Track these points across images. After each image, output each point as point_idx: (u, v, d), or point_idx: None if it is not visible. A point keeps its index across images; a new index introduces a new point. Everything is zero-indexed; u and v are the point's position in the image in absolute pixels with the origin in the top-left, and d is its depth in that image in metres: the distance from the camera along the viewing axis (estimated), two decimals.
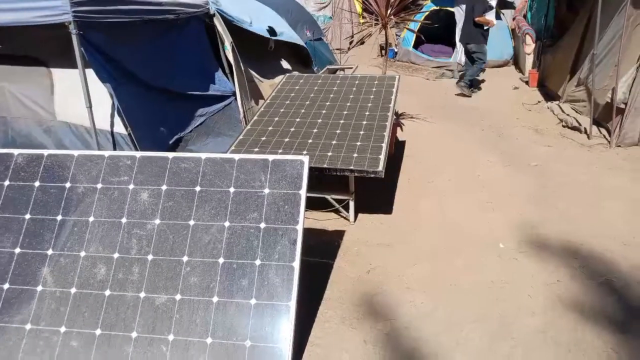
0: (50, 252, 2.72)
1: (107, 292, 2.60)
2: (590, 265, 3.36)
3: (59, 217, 2.79)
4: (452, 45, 10.44)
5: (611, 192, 4.42)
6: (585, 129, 5.93)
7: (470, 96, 8.13)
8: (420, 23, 8.54)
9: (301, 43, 7.04)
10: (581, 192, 4.45)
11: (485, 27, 7.98)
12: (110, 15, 3.81)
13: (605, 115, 5.77)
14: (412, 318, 2.90)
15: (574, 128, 6.17)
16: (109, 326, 2.52)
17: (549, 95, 7.78)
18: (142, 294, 2.57)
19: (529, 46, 9.26)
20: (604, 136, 5.76)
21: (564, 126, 6.36)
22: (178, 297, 2.54)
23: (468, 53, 8.24)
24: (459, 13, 10.25)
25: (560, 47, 7.88)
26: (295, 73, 5.96)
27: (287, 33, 6.77)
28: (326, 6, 12.62)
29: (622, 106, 5.40)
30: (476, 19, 7.85)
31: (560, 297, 3.04)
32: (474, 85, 8.45)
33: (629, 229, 3.79)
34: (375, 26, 6.25)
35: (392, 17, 5.85)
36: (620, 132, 5.47)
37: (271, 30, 6.21)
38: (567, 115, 6.48)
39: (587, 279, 3.22)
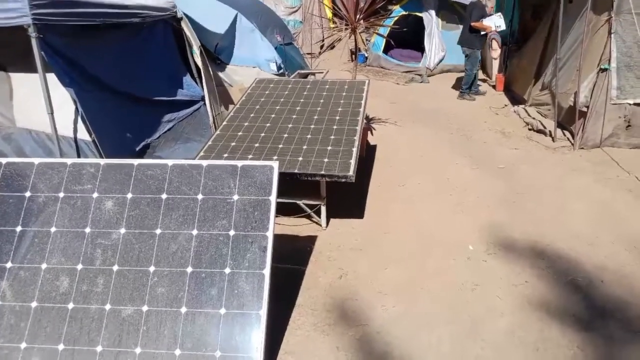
0: (9, 264, 2.61)
1: (71, 305, 2.50)
2: (556, 265, 3.44)
3: (19, 228, 2.68)
4: (421, 50, 10.58)
5: (575, 194, 4.54)
6: (550, 131, 6.09)
7: (474, 100, 8.29)
8: (389, 28, 8.63)
9: (259, 68, 6.68)
10: (547, 194, 4.55)
11: (482, 33, 8.10)
12: (71, 18, 3.69)
13: (569, 118, 5.94)
14: (384, 322, 2.90)
15: (539, 131, 6.33)
16: (73, 340, 2.43)
17: (515, 99, 7.97)
18: (108, 306, 2.49)
19: (495, 51, 9.46)
20: (568, 139, 5.92)
21: (529, 129, 6.51)
22: (145, 308, 2.47)
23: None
24: (428, 18, 10.42)
25: (525, 52, 8.09)
26: (266, 77, 5.92)
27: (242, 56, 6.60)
28: (296, 11, 12.63)
29: (584, 109, 5.57)
30: (472, 23, 7.99)
31: (528, 298, 3.10)
32: (472, 88, 8.58)
33: (592, 229, 3.90)
34: (345, 31, 6.28)
35: (361, 22, 5.88)
36: (583, 134, 5.63)
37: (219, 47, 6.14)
38: (533, 118, 6.64)
39: (554, 279, 3.29)
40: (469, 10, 8.23)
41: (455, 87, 9.21)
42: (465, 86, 8.39)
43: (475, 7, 8.09)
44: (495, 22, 8.06)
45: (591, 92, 5.52)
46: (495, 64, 9.50)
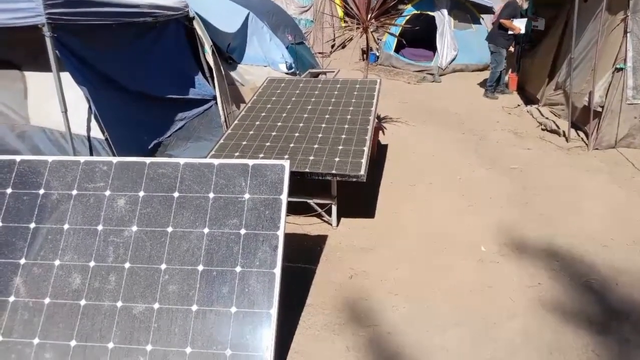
0: (23, 261, 2.64)
1: (83, 302, 2.52)
2: (570, 267, 3.39)
3: (32, 225, 2.71)
4: (433, 49, 10.52)
5: (590, 195, 4.48)
6: (563, 132, 6.02)
7: (497, 99, 8.25)
8: (401, 27, 8.59)
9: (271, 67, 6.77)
10: (560, 195, 4.50)
11: (510, 32, 8.03)
12: (85, 18, 3.72)
13: (583, 119, 5.86)
14: (395, 323, 2.88)
15: (552, 131, 6.26)
16: (85, 337, 2.44)
17: (528, 98, 7.89)
18: (119, 303, 2.51)
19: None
20: (582, 139, 5.85)
21: (543, 129, 6.44)
22: (156, 305, 2.48)
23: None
24: (440, 17, 10.36)
25: (539, 51, 8.00)
26: (277, 77, 5.93)
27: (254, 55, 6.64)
28: (307, 10, 12.63)
29: (599, 109, 5.50)
30: (501, 20, 7.96)
31: (541, 300, 3.06)
32: (500, 85, 8.53)
33: (607, 230, 3.84)
34: (356, 30, 6.26)
35: (372, 21, 5.86)
36: (597, 135, 5.56)
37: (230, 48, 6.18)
38: (546, 118, 6.57)
39: (568, 281, 3.24)
40: (504, 6, 8.21)
41: (481, 84, 9.13)
42: (490, 84, 8.36)
43: (508, 6, 8.05)
44: (523, 25, 8.00)
45: (606, 92, 5.45)
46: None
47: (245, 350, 2.35)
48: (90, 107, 3.93)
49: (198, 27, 5.22)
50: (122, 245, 2.63)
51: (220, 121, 5.42)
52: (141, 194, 2.73)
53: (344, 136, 4.06)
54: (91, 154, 4.02)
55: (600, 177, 4.88)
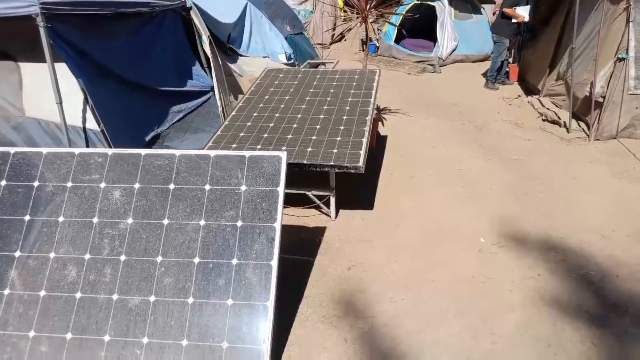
0: (18, 254, 2.62)
1: (79, 295, 2.50)
2: (569, 259, 3.37)
3: (27, 218, 2.68)
4: (434, 40, 10.44)
5: (590, 186, 4.45)
6: (564, 123, 5.97)
7: (497, 90, 8.18)
8: (402, 17, 8.51)
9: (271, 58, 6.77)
10: (561, 186, 4.47)
11: (514, 21, 7.93)
12: (79, 8, 3.68)
13: (585, 109, 5.81)
14: (393, 315, 2.87)
15: (553, 122, 6.21)
16: (81, 330, 2.43)
17: (530, 89, 7.83)
18: (115, 296, 2.49)
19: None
20: (583, 130, 5.80)
21: (544, 120, 6.40)
22: (152, 298, 2.46)
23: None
24: (440, 8, 10.26)
25: (540, 42, 7.93)
26: (276, 67, 5.87)
27: (254, 47, 6.60)
28: (307, 0, 12.52)
29: (601, 100, 5.45)
30: (504, 9, 7.86)
31: (540, 292, 3.04)
32: (501, 76, 8.46)
33: (607, 222, 3.81)
34: (356, 20, 6.19)
35: (372, 11, 5.80)
36: (599, 126, 5.51)
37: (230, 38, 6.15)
38: (547, 109, 6.52)
39: (567, 273, 3.22)
40: None
41: (483, 75, 9.06)
42: (490, 73, 8.29)
43: None
44: (527, 13, 7.90)
45: (608, 82, 5.40)
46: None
47: (242, 343, 2.34)
48: (86, 99, 3.90)
49: (195, 17, 5.17)
50: (117, 238, 2.61)
51: (218, 112, 5.38)
52: (137, 186, 2.70)
53: (342, 127, 4.02)
54: (87, 146, 3.99)
55: (601, 168, 4.84)
